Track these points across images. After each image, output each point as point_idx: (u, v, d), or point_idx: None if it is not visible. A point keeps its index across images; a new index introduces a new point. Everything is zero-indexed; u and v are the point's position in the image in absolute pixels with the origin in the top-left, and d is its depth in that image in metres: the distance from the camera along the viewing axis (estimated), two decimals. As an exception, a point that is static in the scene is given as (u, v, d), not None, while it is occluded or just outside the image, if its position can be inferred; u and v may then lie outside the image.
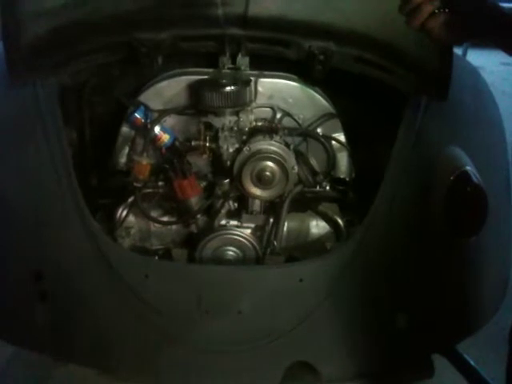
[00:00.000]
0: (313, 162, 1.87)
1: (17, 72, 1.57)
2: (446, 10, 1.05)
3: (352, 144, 1.87)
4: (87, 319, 1.52)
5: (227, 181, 1.75)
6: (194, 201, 1.73)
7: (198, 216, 1.77)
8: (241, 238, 1.72)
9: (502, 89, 4.12)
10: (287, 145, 1.73)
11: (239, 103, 1.70)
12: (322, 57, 1.64)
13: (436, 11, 1.05)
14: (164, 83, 1.81)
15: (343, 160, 1.87)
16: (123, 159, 1.84)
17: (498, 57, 4.73)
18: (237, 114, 1.73)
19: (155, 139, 1.76)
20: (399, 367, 1.62)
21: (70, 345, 1.55)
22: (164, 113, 1.79)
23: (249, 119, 1.76)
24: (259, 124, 1.79)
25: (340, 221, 1.79)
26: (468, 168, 1.47)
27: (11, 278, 1.52)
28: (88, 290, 1.51)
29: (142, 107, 1.77)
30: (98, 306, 1.52)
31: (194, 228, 1.79)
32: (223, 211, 1.78)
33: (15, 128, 1.58)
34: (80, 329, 1.53)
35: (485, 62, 4.12)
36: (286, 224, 1.77)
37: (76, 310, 1.52)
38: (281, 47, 1.66)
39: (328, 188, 1.85)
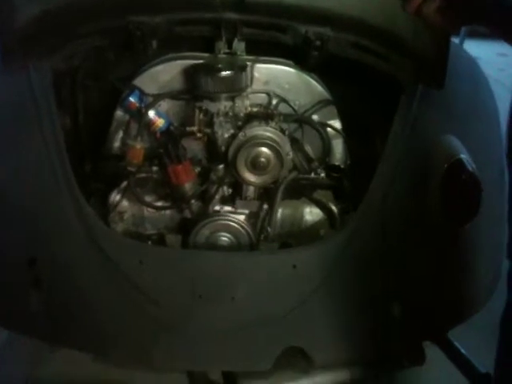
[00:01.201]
0: (308, 148, 1.86)
1: (10, 57, 1.55)
2: None
3: (347, 131, 1.86)
4: (81, 305, 1.52)
5: (222, 166, 1.74)
6: (188, 186, 1.73)
7: (192, 201, 1.76)
8: (235, 224, 1.72)
9: (499, 79, 4.11)
10: (282, 131, 1.72)
11: (235, 88, 1.69)
12: (318, 42, 1.62)
13: None
14: (159, 67, 1.80)
15: (338, 147, 1.87)
16: (117, 144, 1.83)
17: (494, 47, 4.73)
18: (232, 99, 1.72)
19: (150, 124, 1.75)
20: (391, 354, 1.63)
21: (65, 330, 1.55)
22: (159, 97, 1.77)
23: (244, 105, 1.74)
24: (255, 110, 1.77)
25: (334, 208, 1.78)
26: (463, 156, 1.47)
27: (4, 264, 1.52)
28: (81, 275, 1.51)
29: (137, 91, 1.76)
30: (91, 291, 1.51)
31: (187, 213, 1.79)
32: (217, 197, 1.77)
33: (8, 113, 1.57)
34: (74, 314, 1.52)
35: (481, 52, 4.11)
36: (280, 210, 1.77)
37: (70, 296, 1.51)
38: (277, 32, 1.65)
39: (323, 175, 1.85)
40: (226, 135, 1.71)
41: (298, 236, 1.79)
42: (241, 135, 1.66)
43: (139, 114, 1.75)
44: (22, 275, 1.50)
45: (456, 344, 1.69)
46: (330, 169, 1.87)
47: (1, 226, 1.51)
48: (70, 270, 1.50)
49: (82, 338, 1.55)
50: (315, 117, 1.85)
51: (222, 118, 1.70)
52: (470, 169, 1.44)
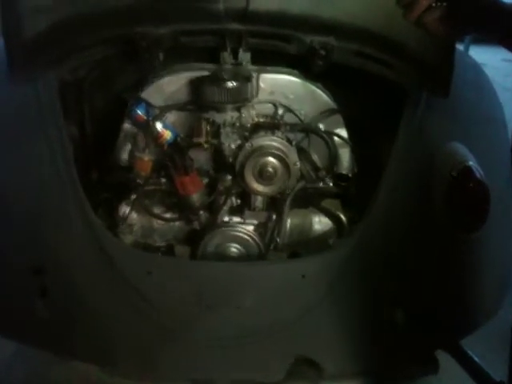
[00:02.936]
0: (315, 157, 1.86)
1: (18, 67, 1.56)
2: (444, 4, 1.04)
3: (354, 139, 1.86)
4: (88, 316, 1.52)
5: (229, 177, 1.74)
6: (196, 197, 1.73)
7: (201, 212, 1.76)
8: (243, 235, 1.72)
9: (504, 85, 4.10)
10: (289, 141, 1.73)
11: (241, 99, 1.70)
12: (322, 52, 1.63)
13: (433, 5, 1.04)
14: (165, 79, 1.80)
15: (345, 156, 1.86)
16: (125, 155, 1.84)
17: (500, 53, 4.71)
18: (238, 109, 1.73)
19: (157, 136, 1.75)
20: (403, 363, 1.62)
21: (71, 341, 1.55)
22: (165, 109, 1.78)
23: (250, 115, 1.76)
24: (261, 120, 1.78)
25: (342, 217, 1.78)
26: (471, 163, 1.46)
27: (12, 274, 1.52)
28: (89, 286, 1.51)
29: (143, 104, 1.77)
30: (99, 302, 1.52)
31: (196, 224, 1.79)
32: (225, 207, 1.77)
33: (16, 123, 1.57)
34: (81, 325, 1.53)
35: (487, 58, 4.09)
36: (288, 220, 1.77)
37: (77, 306, 1.52)
38: (282, 42, 1.66)
39: (330, 184, 1.85)
40: (233, 146, 1.71)
41: (306, 245, 1.79)
42: (247, 145, 1.67)
43: (146, 127, 1.75)
44: (28, 285, 1.50)
45: (469, 352, 1.68)
46: (338, 177, 1.87)
47: (8, 235, 1.51)
48: (78, 281, 1.51)
49: (89, 348, 1.56)
50: (321, 126, 1.85)
51: (228, 129, 1.71)
52: (479, 176, 1.43)
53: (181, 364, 1.55)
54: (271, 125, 1.76)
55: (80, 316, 1.52)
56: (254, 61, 1.78)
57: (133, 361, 1.56)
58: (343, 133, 1.86)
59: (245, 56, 1.75)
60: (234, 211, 1.79)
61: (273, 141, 1.68)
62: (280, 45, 1.68)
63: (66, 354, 1.61)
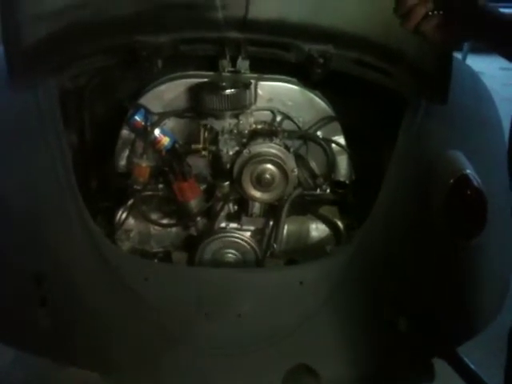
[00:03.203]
0: (312, 164, 1.87)
1: (18, 75, 1.57)
2: (441, 12, 1.05)
3: (352, 146, 1.87)
4: (88, 323, 1.51)
5: (227, 183, 1.74)
6: (194, 203, 1.74)
7: (198, 218, 1.77)
8: (240, 241, 1.73)
9: (502, 94, 4.11)
10: (287, 148, 1.73)
11: (239, 106, 1.71)
12: (321, 60, 1.64)
13: (430, 13, 1.05)
14: (164, 86, 1.81)
15: (343, 163, 1.87)
16: (123, 162, 1.84)
17: (497, 62, 4.72)
18: (237, 116, 1.74)
19: (155, 142, 1.76)
20: (401, 370, 1.61)
21: (71, 349, 1.54)
22: (164, 115, 1.79)
23: (249, 122, 1.76)
24: (259, 127, 1.79)
25: (340, 224, 1.79)
26: (468, 171, 1.46)
27: (11, 283, 1.52)
28: (89, 294, 1.51)
29: (142, 110, 1.77)
30: (98, 309, 1.51)
31: (193, 231, 1.79)
32: (223, 214, 1.78)
33: (15, 131, 1.58)
34: (81, 332, 1.52)
35: (484, 67, 4.10)
36: (285, 227, 1.78)
37: (76, 314, 1.51)
38: (280, 50, 1.67)
39: (328, 191, 1.86)
40: (231, 152, 1.72)
41: (303, 252, 1.79)
42: (245, 152, 1.68)
43: (145, 133, 1.76)
44: (28, 293, 1.50)
45: (465, 360, 1.67)
46: (335, 185, 1.87)
47: (7, 245, 1.51)
48: (77, 289, 1.50)
49: (89, 356, 1.55)
50: (319, 133, 1.86)
51: (226, 136, 1.72)
52: (476, 184, 1.43)
53: (180, 372, 1.54)
54: (269, 132, 1.76)
55: (80, 323, 1.52)
56: (253, 68, 1.78)
57: (133, 369, 1.56)
58: (341, 140, 1.86)
59: (243, 64, 1.76)
60: (231, 217, 1.80)
61: (271, 148, 1.68)
62: (279, 53, 1.69)
63: (66, 361, 1.61)
